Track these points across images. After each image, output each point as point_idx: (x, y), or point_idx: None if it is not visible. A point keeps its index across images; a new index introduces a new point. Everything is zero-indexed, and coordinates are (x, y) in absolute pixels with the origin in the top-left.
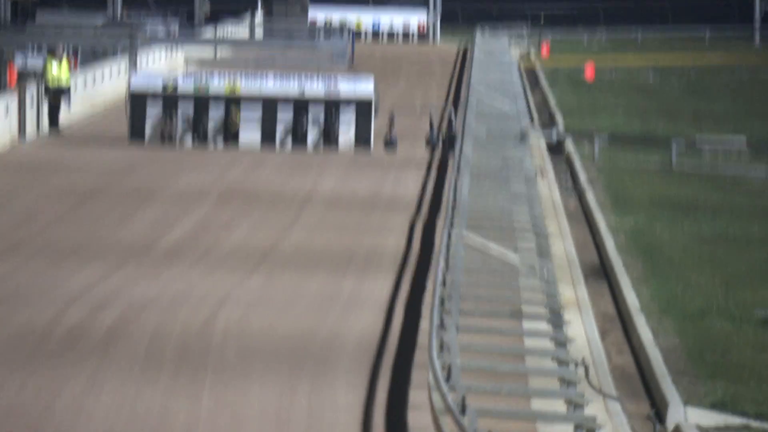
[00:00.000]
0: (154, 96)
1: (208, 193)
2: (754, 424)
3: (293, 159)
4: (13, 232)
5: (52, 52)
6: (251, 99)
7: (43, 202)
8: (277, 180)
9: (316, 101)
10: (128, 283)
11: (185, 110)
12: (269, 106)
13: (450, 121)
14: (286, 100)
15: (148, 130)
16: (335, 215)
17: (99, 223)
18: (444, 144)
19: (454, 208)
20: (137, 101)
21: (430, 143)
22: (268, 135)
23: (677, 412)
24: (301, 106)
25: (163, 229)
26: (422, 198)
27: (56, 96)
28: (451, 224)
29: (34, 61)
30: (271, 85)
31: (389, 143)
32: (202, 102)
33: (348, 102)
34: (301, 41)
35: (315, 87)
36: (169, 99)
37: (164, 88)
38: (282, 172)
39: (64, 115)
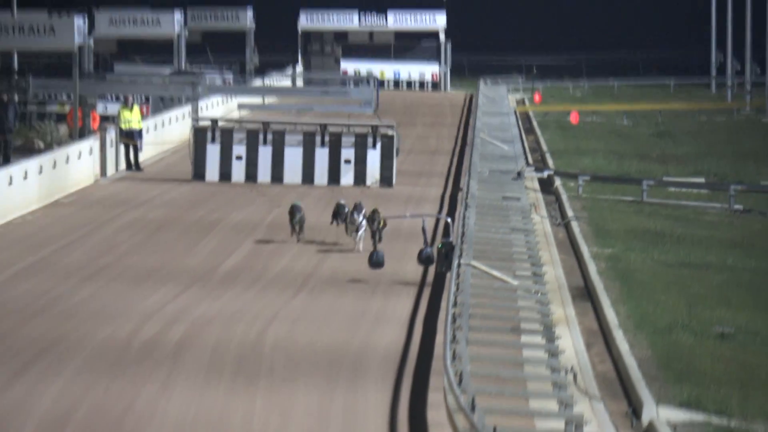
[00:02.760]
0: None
1: (258, 225)
2: (715, 420)
3: (329, 194)
4: (97, 259)
5: (125, 100)
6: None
7: (121, 232)
8: (315, 213)
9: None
10: (193, 303)
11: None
12: (309, 148)
13: (447, 229)
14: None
15: (208, 169)
16: (365, 244)
17: (169, 251)
18: (440, 257)
19: (463, 240)
20: (199, 138)
21: (423, 259)
22: (308, 173)
23: (651, 410)
24: (336, 148)
25: (222, 256)
26: (436, 230)
27: (128, 137)
28: (461, 254)
29: (112, 107)
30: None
31: (375, 261)
32: (253, 141)
33: (374, 145)
34: (334, 89)
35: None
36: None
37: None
38: (319, 206)
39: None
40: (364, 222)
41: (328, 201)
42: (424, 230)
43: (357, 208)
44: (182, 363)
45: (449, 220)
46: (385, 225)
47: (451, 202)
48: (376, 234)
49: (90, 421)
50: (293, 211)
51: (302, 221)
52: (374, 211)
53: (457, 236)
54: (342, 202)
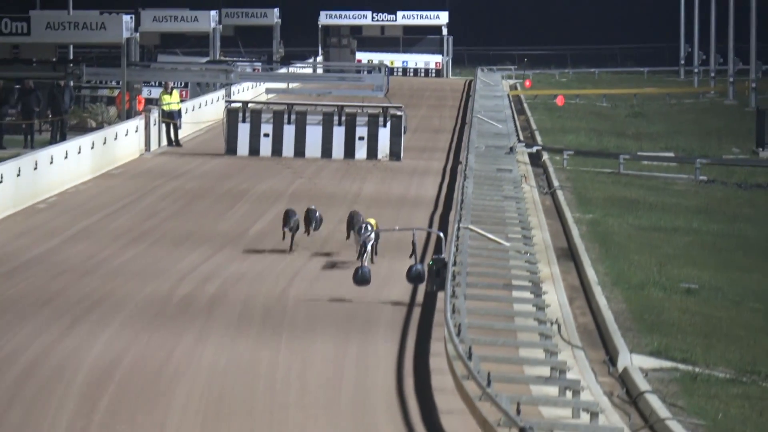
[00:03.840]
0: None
1: (283, 194)
2: (681, 366)
3: (345, 166)
4: (140, 224)
5: (165, 86)
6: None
7: (162, 200)
8: (333, 183)
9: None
10: (225, 263)
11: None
12: (327, 126)
13: (439, 244)
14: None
15: (239, 144)
16: (376, 211)
17: (203, 217)
18: (431, 276)
19: (461, 206)
20: (232, 118)
21: (413, 277)
22: (326, 148)
23: (625, 357)
24: (351, 127)
25: (250, 222)
26: (438, 197)
27: (168, 117)
28: (460, 218)
29: (155, 92)
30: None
31: (360, 278)
32: (279, 121)
33: (384, 124)
34: (350, 76)
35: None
36: (255, 119)
37: None
38: (336, 177)
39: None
40: (371, 236)
41: (344, 173)
42: (414, 245)
43: (354, 219)
44: (215, 316)
45: (441, 234)
46: (377, 237)
47: (452, 174)
48: (362, 248)
49: (134, 367)
50: (287, 216)
51: (296, 227)
52: (367, 224)
53: (457, 203)
54: (312, 207)
